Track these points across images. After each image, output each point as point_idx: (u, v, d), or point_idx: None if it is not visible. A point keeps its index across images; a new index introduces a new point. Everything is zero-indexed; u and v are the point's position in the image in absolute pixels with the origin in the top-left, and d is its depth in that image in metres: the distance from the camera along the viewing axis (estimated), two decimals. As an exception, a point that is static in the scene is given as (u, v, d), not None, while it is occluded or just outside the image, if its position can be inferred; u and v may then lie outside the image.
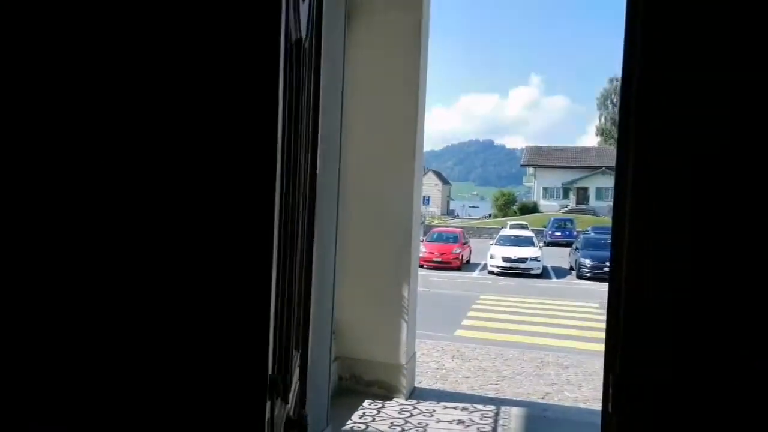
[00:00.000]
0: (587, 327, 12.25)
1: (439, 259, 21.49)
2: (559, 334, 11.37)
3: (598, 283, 19.10)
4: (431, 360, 7.87)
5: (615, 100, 77.50)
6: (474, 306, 14.43)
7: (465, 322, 12.32)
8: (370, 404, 4.71)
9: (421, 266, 21.76)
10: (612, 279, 1.99)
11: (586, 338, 11.13)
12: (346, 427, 4.21)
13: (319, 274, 3.20)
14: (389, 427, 4.23)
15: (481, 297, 16.03)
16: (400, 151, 5.09)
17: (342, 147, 4.93)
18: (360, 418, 4.42)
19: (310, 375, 2.81)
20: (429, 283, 18.27)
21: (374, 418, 4.42)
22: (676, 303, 1.76)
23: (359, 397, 4.76)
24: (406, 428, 4.23)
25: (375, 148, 5.07)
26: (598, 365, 8.20)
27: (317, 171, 2.31)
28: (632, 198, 1.81)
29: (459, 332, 11.25)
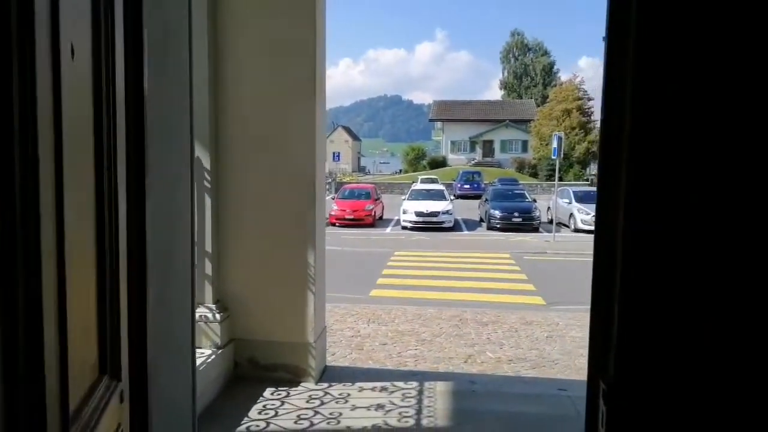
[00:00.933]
0: (501, 279, 12.17)
1: (352, 217, 20.86)
2: (475, 288, 11.17)
3: (507, 233, 19.37)
4: (346, 327, 7.24)
5: (517, 54, 79.35)
6: (388, 263, 13.98)
7: (380, 280, 11.82)
8: (272, 394, 3.96)
9: (333, 224, 21.11)
10: (599, 264, 1.38)
11: (500, 290, 11.01)
12: (241, 427, 3.45)
13: (170, 243, 2.34)
14: (295, 423, 3.53)
15: (396, 253, 15.63)
16: (300, 94, 4.21)
17: (220, 91, 4.01)
18: (259, 413, 3.67)
19: (165, 386, 1.99)
20: (341, 241, 17.62)
21: (277, 412, 3.69)
22: (689, 290, 1.21)
23: (259, 386, 4.00)
24: (315, 422, 3.54)
25: (272, 92, 4.16)
26: (515, 319, 7.96)
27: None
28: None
29: (375, 292, 10.73)
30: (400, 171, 65.20)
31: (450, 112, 61.96)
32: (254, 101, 4.22)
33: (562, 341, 6.76)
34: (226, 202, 4.19)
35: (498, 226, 19.90)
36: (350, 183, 35.86)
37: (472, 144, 59.85)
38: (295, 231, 4.34)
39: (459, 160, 58.04)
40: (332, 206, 21.59)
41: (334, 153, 40.50)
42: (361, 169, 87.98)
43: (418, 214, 19.97)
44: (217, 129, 4.10)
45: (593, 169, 52.57)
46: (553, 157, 18.31)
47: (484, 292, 10.82)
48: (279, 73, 4.15)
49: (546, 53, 78.65)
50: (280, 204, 4.28)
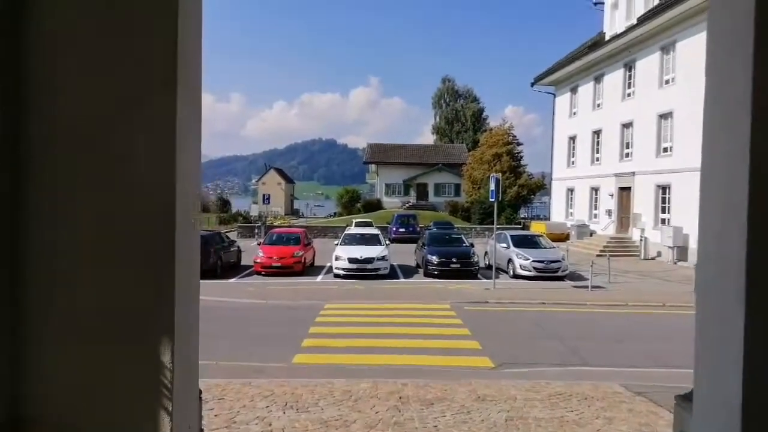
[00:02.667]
0: (443, 335, 10.92)
1: (279, 264, 19.16)
2: (416, 348, 9.84)
3: (446, 280, 18.30)
4: (254, 417, 5.68)
5: (448, 100, 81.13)
6: (317, 319, 12.44)
7: (306, 341, 10.26)
8: None
9: (259, 273, 19.34)
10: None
11: (444, 351, 9.74)
12: None
13: None
14: None
15: (327, 306, 14.11)
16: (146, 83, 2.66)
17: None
18: None
19: None
20: (266, 293, 15.91)
21: None
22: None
23: None
24: None
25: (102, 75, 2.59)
26: (465, 393, 6.66)
27: None
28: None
29: (299, 357, 9.17)
30: (335, 214, 63.90)
31: (384, 155, 61.79)
32: (74, 87, 2.62)
33: (526, 426, 5.50)
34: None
35: (436, 272, 18.81)
36: (280, 227, 34.10)
37: (407, 187, 59.66)
38: (142, 293, 2.66)
39: (394, 203, 57.53)
40: (258, 252, 19.85)
41: (264, 195, 38.85)
42: (294, 212, 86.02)
43: (352, 260, 18.59)
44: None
45: (524, 212, 53.39)
46: (491, 200, 17.58)
47: (426, 353, 9.51)
48: (110, 48, 2.66)
49: (476, 99, 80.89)
50: (120, 255, 2.60)
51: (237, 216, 51.84)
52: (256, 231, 34.34)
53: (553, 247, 20.34)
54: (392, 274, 19.52)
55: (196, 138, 2.81)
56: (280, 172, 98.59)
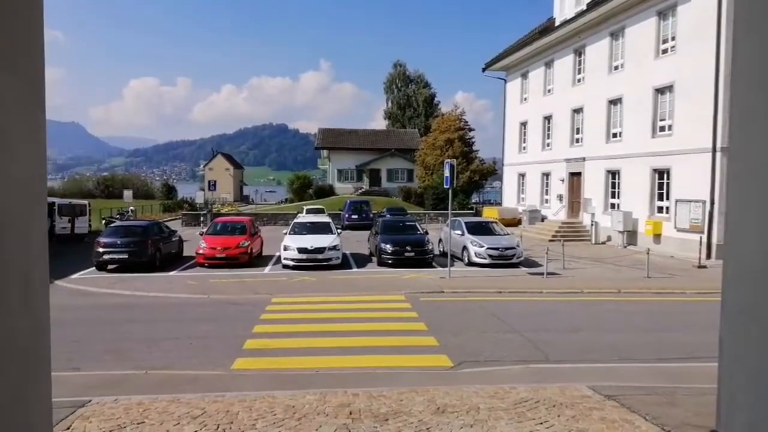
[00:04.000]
0: (397, 330, 10.28)
1: (223, 255, 18.06)
2: (368, 347, 9.15)
3: (400, 269, 17.69)
4: (179, 446, 4.84)
5: (400, 85, 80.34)
6: (263, 315, 11.57)
7: (249, 343, 9.40)
8: None
9: (202, 264, 18.20)
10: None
11: (399, 349, 9.08)
12: None
13: None
14: None
15: (274, 300, 13.25)
16: None
17: None
18: None
19: None
20: (208, 287, 14.86)
21: None
22: None
23: None
24: None
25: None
26: (423, 404, 6.01)
27: None
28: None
29: (240, 362, 8.30)
30: (286, 200, 62.40)
31: (336, 141, 60.58)
32: None
33: (492, 444, 4.89)
34: None
35: (390, 261, 18.17)
36: (226, 215, 32.61)
37: (359, 173, 58.78)
38: None
39: (346, 189, 56.61)
40: (201, 243, 18.67)
41: (209, 181, 37.04)
42: (243, 198, 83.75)
43: (302, 250, 17.69)
44: None
45: (476, 197, 53.50)
46: (445, 186, 17.01)
47: (379, 353, 8.83)
48: None
49: (427, 85, 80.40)
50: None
51: (182, 203, 49.74)
52: (202, 219, 32.79)
53: (508, 234, 20.03)
54: (345, 263, 18.76)
55: (36, 126, 1.93)
56: (228, 157, 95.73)
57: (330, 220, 21.06)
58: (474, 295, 13.88)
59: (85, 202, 30.86)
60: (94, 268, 17.70)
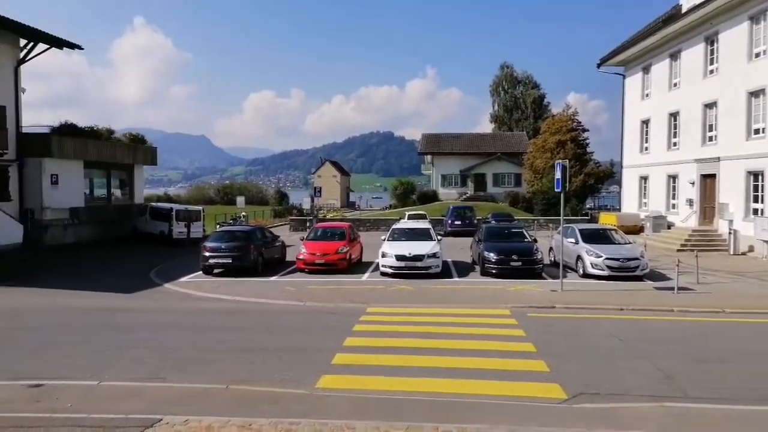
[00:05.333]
0: (502, 351, 9.12)
1: (322, 261, 17.80)
2: (467, 369, 8.12)
3: (505, 280, 16.38)
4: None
5: (507, 87, 77.77)
6: (356, 327, 10.92)
7: (338, 357, 8.74)
8: None
9: (303, 270, 18.06)
10: None
11: (504, 374, 7.94)
12: None
13: None
14: None
15: (369, 310, 12.60)
16: None
17: None
18: None
19: None
20: (305, 294, 14.55)
21: None
22: None
23: None
24: None
25: None
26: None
27: None
28: None
29: (325, 380, 7.64)
30: (390, 206, 62.51)
31: (440, 146, 59.70)
32: None
33: None
34: None
35: (494, 271, 16.90)
36: (326, 221, 32.83)
37: (463, 178, 57.42)
38: None
39: (450, 194, 55.50)
40: (301, 249, 18.57)
41: (315, 188, 37.75)
42: (350, 205, 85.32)
43: (400, 258, 16.95)
44: None
45: (590, 202, 49.98)
46: (556, 190, 15.47)
47: (479, 376, 7.78)
48: None
49: (536, 86, 77.22)
50: None
51: (291, 209, 51.35)
52: (308, 224, 33.32)
53: (630, 243, 17.93)
54: (445, 272, 17.77)
55: None
56: (336, 164, 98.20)
57: (430, 226, 20.16)
58: (591, 312, 12.32)
59: (200, 208, 32.49)
60: (201, 272, 18.19)
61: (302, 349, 9.35)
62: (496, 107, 78.78)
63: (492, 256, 17.04)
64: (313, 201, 35.28)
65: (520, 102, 75.72)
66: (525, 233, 19.23)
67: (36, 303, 14.09)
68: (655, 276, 16.90)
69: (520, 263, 16.86)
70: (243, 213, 41.22)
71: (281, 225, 41.28)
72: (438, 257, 17.25)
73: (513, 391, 7.25)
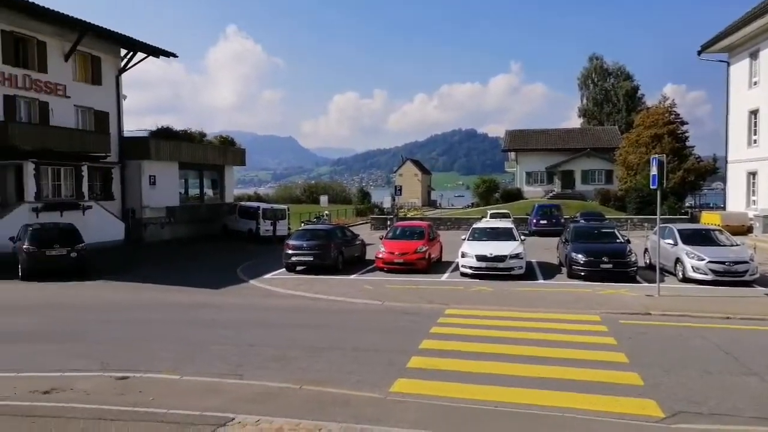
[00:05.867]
0: (590, 361, 8.48)
1: (401, 260, 17.63)
2: (552, 380, 7.59)
3: (594, 283, 15.42)
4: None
5: (596, 79, 74.09)
6: (433, 329, 10.62)
7: (413, 361, 8.48)
8: None
9: (382, 269, 17.99)
10: None
11: (592, 386, 7.34)
12: None
13: None
14: None
15: (447, 311, 12.26)
16: None
17: None
18: None
19: None
20: (383, 293, 14.43)
21: None
22: None
23: None
24: None
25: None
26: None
27: None
28: None
29: (399, 384, 7.41)
30: (472, 205, 61.50)
31: (525, 142, 57.89)
32: None
33: None
34: None
35: (582, 273, 15.96)
36: (405, 219, 32.67)
37: (550, 175, 55.35)
38: None
39: (535, 192, 53.69)
40: (380, 247, 18.51)
41: (395, 187, 37.73)
42: (431, 203, 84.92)
43: (480, 258, 16.42)
44: None
45: (691, 201, 46.47)
46: (652, 187, 14.32)
47: (564, 388, 7.23)
48: None
49: (628, 77, 73.00)
50: None
51: (373, 208, 51.79)
52: (388, 223, 33.37)
53: (737, 244, 16.32)
54: (529, 273, 17.03)
55: None
56: (417, 163, 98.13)
57: (512, 226, 19.44)
58: (692, 321, 11.25)
59: (285, 207, 33.43)
60: (285, 269, 18.60)
61: (378, 349, 9.18)
62: (584, 101, 75.34)
63: (580, 257, 16.11)
64: (393, 200, 35.28)
65: (611, 95, 71.93)
66: (617, 233, 18.04)
67: (132, 297, 14.95)
68: (767, 282, 15.26)
69: (611, 265, 15.81)
70: (326, 212, 42.05)
71: (363, 223, 41.67)
72: (521, 258, 16.56)
73: (603, 405, 6.66)
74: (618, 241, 17.32)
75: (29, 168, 21.68)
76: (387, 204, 38.36)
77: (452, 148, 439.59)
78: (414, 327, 10.78)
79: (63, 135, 23.23)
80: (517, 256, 16.45)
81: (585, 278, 15.86)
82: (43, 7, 22.71)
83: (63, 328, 11.27)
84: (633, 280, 15.77)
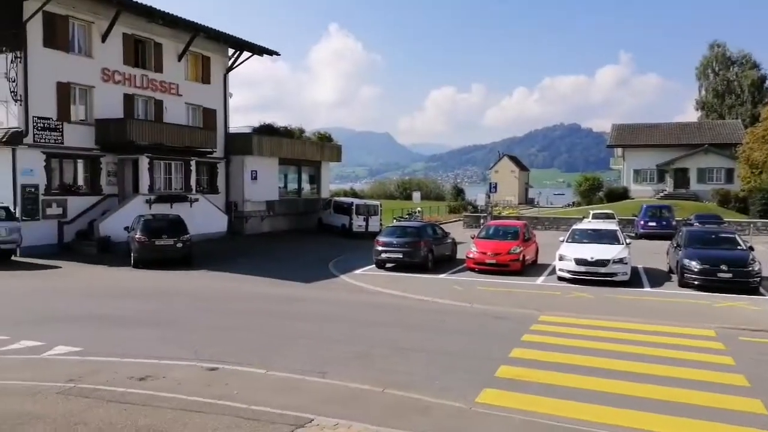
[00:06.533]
0: (703, 382, 7.56)
1: (493, 261, 17.01)
2: (658, 401, 6.83)
3: (710, 294, 13.97)
4: None
5: (717, 69, 67.93)
6: (526, 336, 10.04)
7: (503, 369, 8.01)
8: None
9: (473, 269, 17.48)
10: None
11: (706, 411, 6.51)
12: None
13: None
14: None
15: (542, 317, 11.59)
16: None
17: None
18: None
19: None
20: (473, 295, 13.97)
21: None
22: None
23: None
24: None
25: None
26: None
27: None
28: None
29: (486, 394, 7.00)
30: (573, 204, 58.69)
31: (633, 137, 54.24)
32: None
33: None
34: None
35: (696, 282, 14.52)
36: (499, 218, 31.64)
37: (660, 173, 51.45)
38: None
39: (644, 192, 50.15)
40: (471, 247, 17.98)
41: (490, 184, 36.74)
42: (528, 201, 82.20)
43: (580, 262, 15.42)
44: None
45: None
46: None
47: (673, 411, 6.47)
48: None
49: (755, 66, 66.29)
50: None
51: (466, 205, 50.94)
52: (482, 221, 32.58)
53: None
54: (634, 280, 15.78)
55: None
56: (514, 159, 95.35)
57: (617, 228, 18.12)
58: (830, 342, 9.79)
59: (378, 202, 33.62)
60: (374, 265, 18.62)
61: (465, 355, 8.80)
62: (703, 92, 69.46)
63: (694, 264, 14.66)
64: (488, 197, 34.39)
65: (734, 85, 65.71)
66: (738, 239, 16.27)
67: (230, 287, 15.60)
68: None
69: (730, 275, 14.25)
70: (418, 208, 41.85)
71: (455, 221, 41.06)
72: (626, 263, 15.37)
73: (718, 437, 5.87)
74: (739, 247, 15.61)
75: (144, 162, 23.35)
76: (481, 201, 37.44)
77: (553, 144, 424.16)
78: (504, 333, 10.27)
79: (175, 131, 24.79)
80: (621, 260, 15.29)
81: (699, 288, 14.42)
82: (162, 10, 24.33)
83: (165, 315, 11.92)
84: (755, 292, 14.12)
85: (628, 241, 17.01)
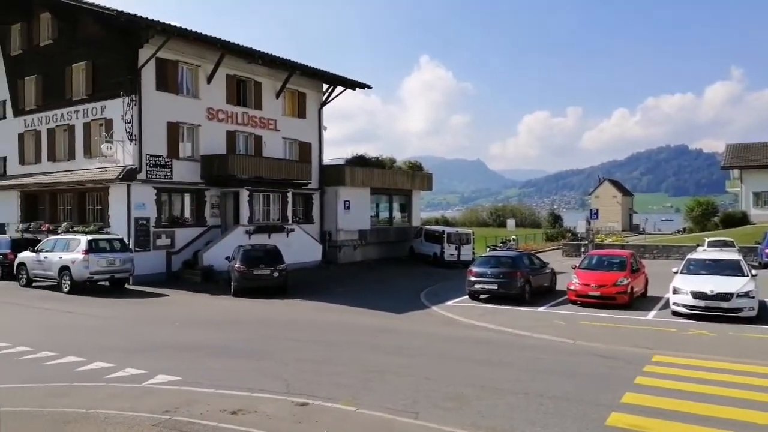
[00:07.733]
0: None
1: (597, 294, 15.84)
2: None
3: None
4: None
5: None
6: (639, 378, 9.08)
7: (614, 418, 7.18)
8: None
9: (574, 302, 16.40)
10: None
11: None
12: None
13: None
14: None
15: (655, 357, 10.50)
16: None
17: None
18: None
19: None
20: (576, 331, 13.00)
21: None
22: None
23: None
24: None
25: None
26: None
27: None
28: None
29: (595, 446, 6.27)
30: (683, 230, 54.37)
31: (751, 157, 49.65)
32: None
33: None
34: None
35: (841, 320, 12.63)
36: (603, 247, 29.71)
37: (786, 195, 46.43)
38: None
39: (766, 216, 45.45)
40: (573, 278, 16.91)
41: (591, 210, 34.84)
42: (633, 228, 77.32)
43: (697, 295, 13.94)
44: None
45: None
46: None
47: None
48: None
49: None
50: None
51: (565, 232, 48.70)
52: (583, 250, 30.86)
53: None
54: (762, 316, 14.03)
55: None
56: (616, 184, 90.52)
57: (740, 257, 16.31)
58: None
59: (470, 230, 32.93)
60: (467, 296, 18.02)
61: (569, 399, 8.04)
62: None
63: (838, 299, 12.78)
64: (588, 224, 32.60)
65: None
66: None
67: (322, 317, 15.66)
68: None
69: None
70: (513, 236, 40.56)
71: (553, 249, 39.32)
72: (752, 297, 13.71)
73: None
74: None
75: (244, 194, 24.44)
76: (581, 228, 35.53)
77: (658, 167, 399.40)
78: (613, 374, 9.36)
79: (273, 165, 25.83)
80: (747, 294, 13.66)
81: None
82: (261, 51, 25.72)
83: (259, 345, 12.09)
84: None
85: (753, 272, 15.23)
